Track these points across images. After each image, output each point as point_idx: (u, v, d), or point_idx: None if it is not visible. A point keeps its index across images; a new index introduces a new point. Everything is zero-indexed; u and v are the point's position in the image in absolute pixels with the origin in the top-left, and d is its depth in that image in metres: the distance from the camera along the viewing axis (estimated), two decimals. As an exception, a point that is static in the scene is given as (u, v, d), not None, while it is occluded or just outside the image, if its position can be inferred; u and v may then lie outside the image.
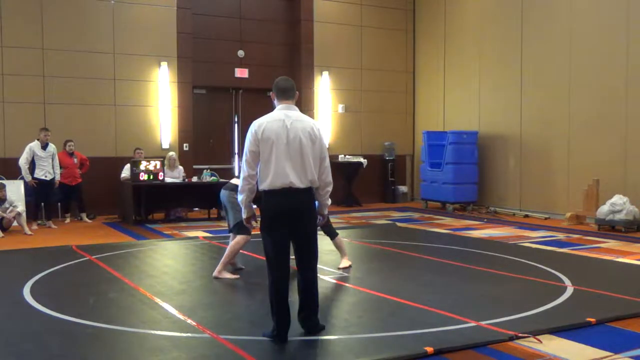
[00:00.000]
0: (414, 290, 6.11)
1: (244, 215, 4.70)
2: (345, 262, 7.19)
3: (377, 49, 15.42)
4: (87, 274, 7.03)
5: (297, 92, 4.72)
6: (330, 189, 4.68)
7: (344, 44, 15.05)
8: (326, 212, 4.80)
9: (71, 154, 11.72)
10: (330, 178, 4.66)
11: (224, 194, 6.87)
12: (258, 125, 4.52)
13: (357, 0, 15.11)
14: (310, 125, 4.56)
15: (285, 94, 4.64)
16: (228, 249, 6.74)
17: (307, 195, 4.51)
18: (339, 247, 7.22)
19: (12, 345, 4.52)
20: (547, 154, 12.43)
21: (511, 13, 13.12)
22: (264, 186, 4.48)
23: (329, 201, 4.79)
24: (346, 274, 6.88)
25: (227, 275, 6.68)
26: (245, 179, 4.50)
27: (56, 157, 11.24)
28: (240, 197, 4.59)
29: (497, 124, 13.53)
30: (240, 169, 4.59)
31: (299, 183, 4.45)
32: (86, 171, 11.95)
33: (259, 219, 4.65)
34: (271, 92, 4.74)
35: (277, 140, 4.43)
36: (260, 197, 4.55)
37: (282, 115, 4.54)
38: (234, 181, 6.90)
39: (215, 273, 6.72)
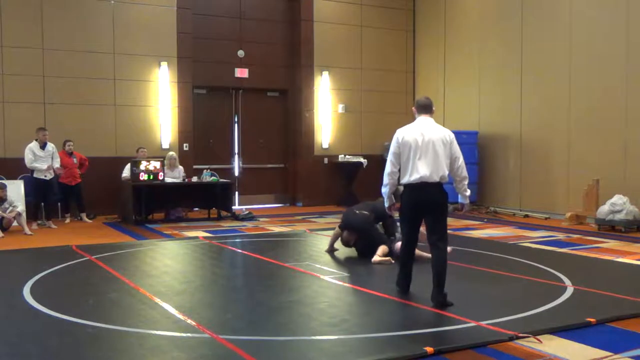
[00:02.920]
0: (414, 291, 6.10)
1: (386, 204, 5.85)
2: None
3: (377, 49, 15.42)
4: (87, 274, 7.02)
5: (434, 108, 5.82)
6: (465, 182, 5.68)
7: (344, 44, 15.04)
8: (467, 201, 5.73)
9: (70, 154, 11.71)
10: (465, 173, 5.68)
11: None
12: (400, 133, 5.66)
13: (357, 0, 15.11)
14: (442, 133, 5.61)
15: (424, 109, 5.76)
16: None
17: (438, 188, 5.54)
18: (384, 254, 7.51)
19: (12, 345, 4.51)
20: (547, 154, 12.42)
21: (511, 13, 13.12)
22: (404, 181, 5.62)
23: (468, 192, 5.71)
24: (346, 274, 6.89)
25: (382, 260, 7.43)
26: (388, 175, 5.67)
27: (56, 155, 11.23)
28: (384, 190, 5.74)
29: (497, 124, 13.53)
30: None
31: (431, 178, 5.48)
32: (85, 171, 11.94)
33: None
34: (413, 107, 5.88)
35: (413, 144, 5.53)
36: (401, 191, 5.67)
37: (419, 125, 5.66)
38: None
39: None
